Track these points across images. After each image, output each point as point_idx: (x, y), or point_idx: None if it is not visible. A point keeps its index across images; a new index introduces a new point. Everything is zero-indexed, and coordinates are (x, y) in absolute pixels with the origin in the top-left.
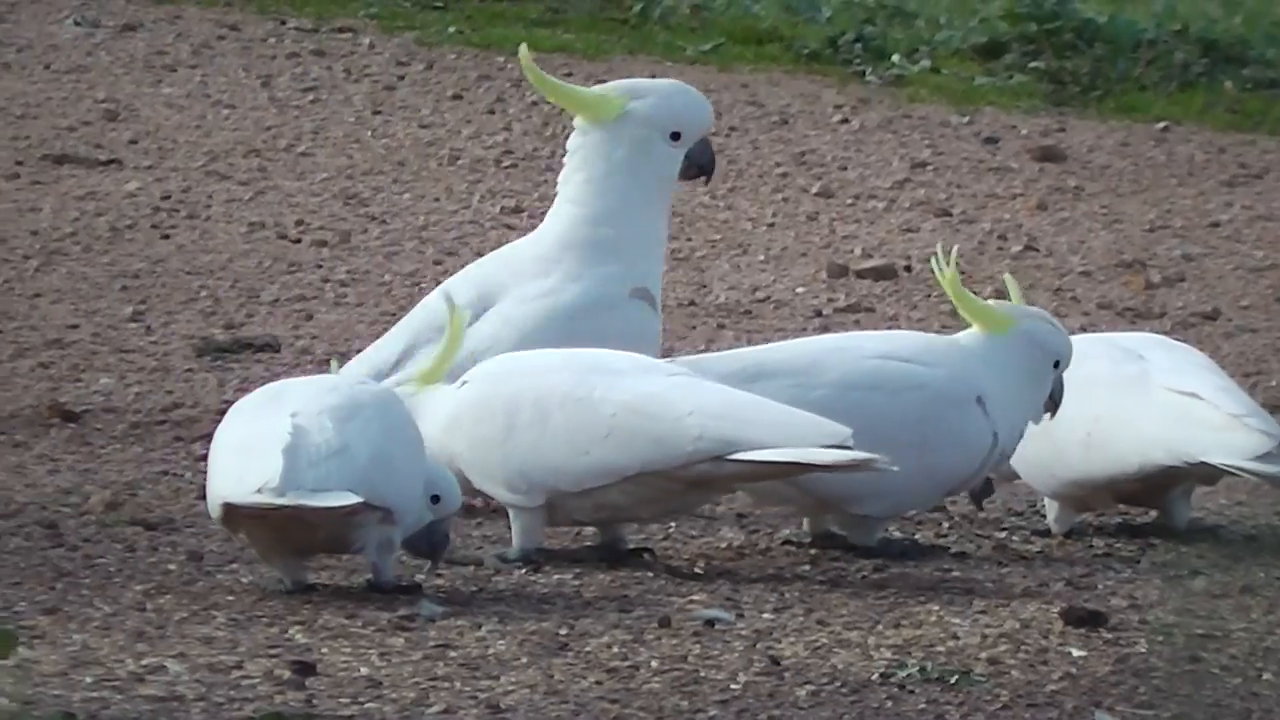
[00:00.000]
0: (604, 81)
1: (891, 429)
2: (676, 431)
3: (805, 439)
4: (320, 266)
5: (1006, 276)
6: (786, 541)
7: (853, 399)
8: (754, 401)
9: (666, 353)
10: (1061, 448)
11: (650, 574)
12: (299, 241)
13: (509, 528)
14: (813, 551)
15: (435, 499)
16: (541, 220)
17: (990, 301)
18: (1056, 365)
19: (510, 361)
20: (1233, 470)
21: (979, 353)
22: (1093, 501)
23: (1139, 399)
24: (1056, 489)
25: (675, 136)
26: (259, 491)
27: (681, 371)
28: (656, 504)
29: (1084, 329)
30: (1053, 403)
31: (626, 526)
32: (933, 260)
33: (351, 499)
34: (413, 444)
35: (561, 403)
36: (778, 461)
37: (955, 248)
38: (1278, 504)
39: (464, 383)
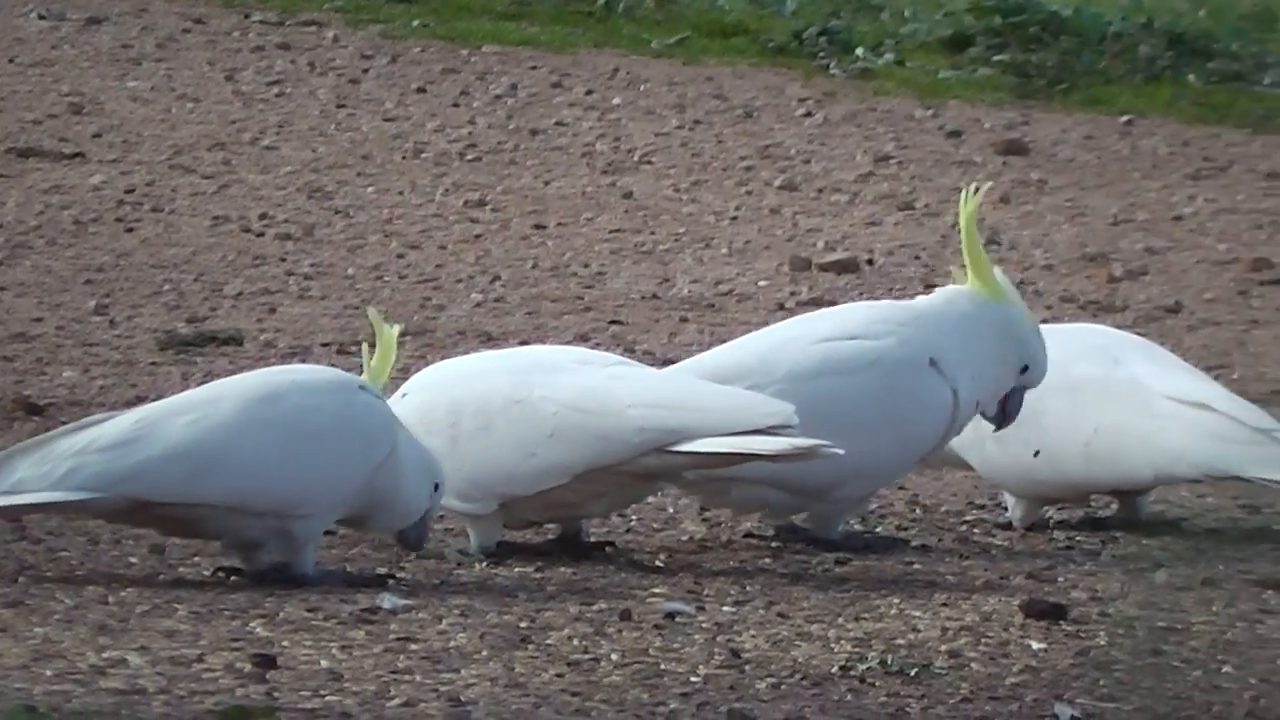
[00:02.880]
0: (570, 76)
1: (852, 409)
2: (619, 425)
3: (747, 420)
4: (284, 260)
5: (954, 271)
6: (749, 534)
7: (806, 390)
8: (695, 387)
9: (628, 347)
10: (1055, 457)
11: (612, 567)
12: (263, 235)
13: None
14: (774, 545)
15: (436, 487)
16: (504, 213)
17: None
18: (1024, 371)
19: (447, 369)
20: (1272, 484)
21: (933, 315)
22: (1065, 499)
23: (1141, 410)
24: (1036, 492)
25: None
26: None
27: (621, 362)
28: (608, 498)
29: (1047, 322)
30: (1004, 415)
31: (588, 520)
32: (963, 193)
33: (51, 497)
34: (315, 441)
35: (503, 406)
36: (724, 452)
37: (989, 185)
38: (1240, 497)
39: (404, 394)
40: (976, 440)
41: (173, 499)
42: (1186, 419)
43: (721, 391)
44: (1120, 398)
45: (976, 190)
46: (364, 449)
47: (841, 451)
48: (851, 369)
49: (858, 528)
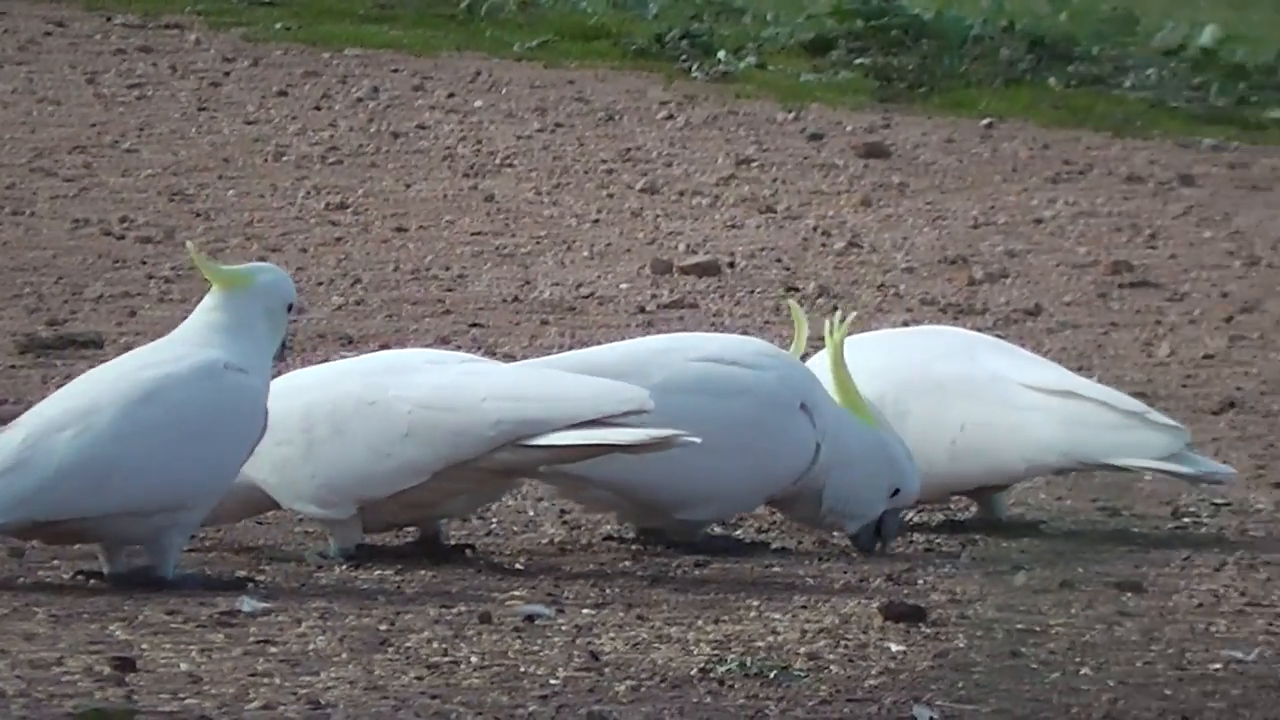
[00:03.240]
0: (432, 79)
1: (717, 432)
2: (474, 420)
3: (601, 407)
4: (145, 263)
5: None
6: (609, 537)
7: (677, 402)
8: (549, 377)
9: (489, 349)
10: (921, 456)
11: (471, 570)
12: (124, 238)
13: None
14: (634, 547)
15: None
16: (365, 216)
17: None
18: (895, 494)
19: (299, 377)
20: (1144, 469)
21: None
22: (929, 499)
23: (1007, 402)
24: None
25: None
26: None
27: (473, 359)
28: (466, 497)
29: (908, 324)
30: (882, 538)
31: (447, 522)
32: (828, 324)
33: None
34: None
35: (356, 409)
36: (581, 444)
37: (854, 314)
38: (1098, 499)
39: None
40: None
41: (71, 515)
42: (1053, 408)
43: (576, 380)
44: (984, 392)
45: (843, 320)
46: (240, 430)
47: (698, 440)
48: (724, 393)
49: (719, 531)
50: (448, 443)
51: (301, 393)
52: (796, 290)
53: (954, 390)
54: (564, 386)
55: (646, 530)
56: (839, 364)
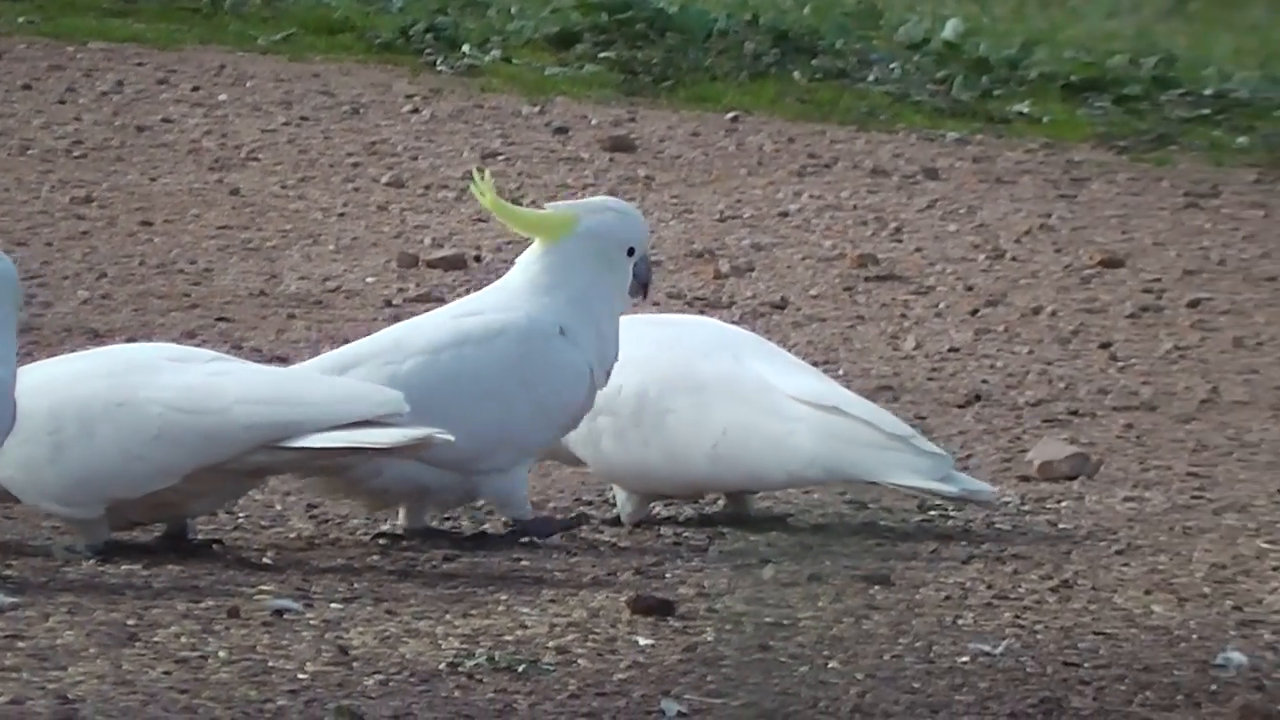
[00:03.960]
0: (176, 73)
1: (491, 378)
2: (225, 423)
3: (355, 411)
4: None
5: (474, 171)
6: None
7: (445, 360)
8: (301, 380)
9: (236, 344)
10: (679, 456)
11: (220, 565)
12: None
13: None
14: (382, 541)
15: None
16: (110, 210)
17: (546, 208)
18: (631, 253)
19: (39, 373)
20: (910, 489)
21: (543, 281)
22: (680, 496)
23: (772, 411)
24: (651, 489)
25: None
26: None
27: (220, 358)
28: (214, 495)
29: None
30: (639, 284)
31: (194, 518)
32: (471, 184)
33: None
34: None
35: (105, 410)
36: (334, 447)
37: (488, 170)
38: (846, 493)
39: None
40: (590, 436)
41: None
42: (817, 422)
43: (330, 383)
44: (750, 398)
45: (483, 176)
46: None
47: (452, 439)
48: (485, 338)
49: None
50: (198, 446)
51: (46, 391)
52: None
53: (717, 392)
54: (317, 389)
55: (419, 530)
56: (502, 207)
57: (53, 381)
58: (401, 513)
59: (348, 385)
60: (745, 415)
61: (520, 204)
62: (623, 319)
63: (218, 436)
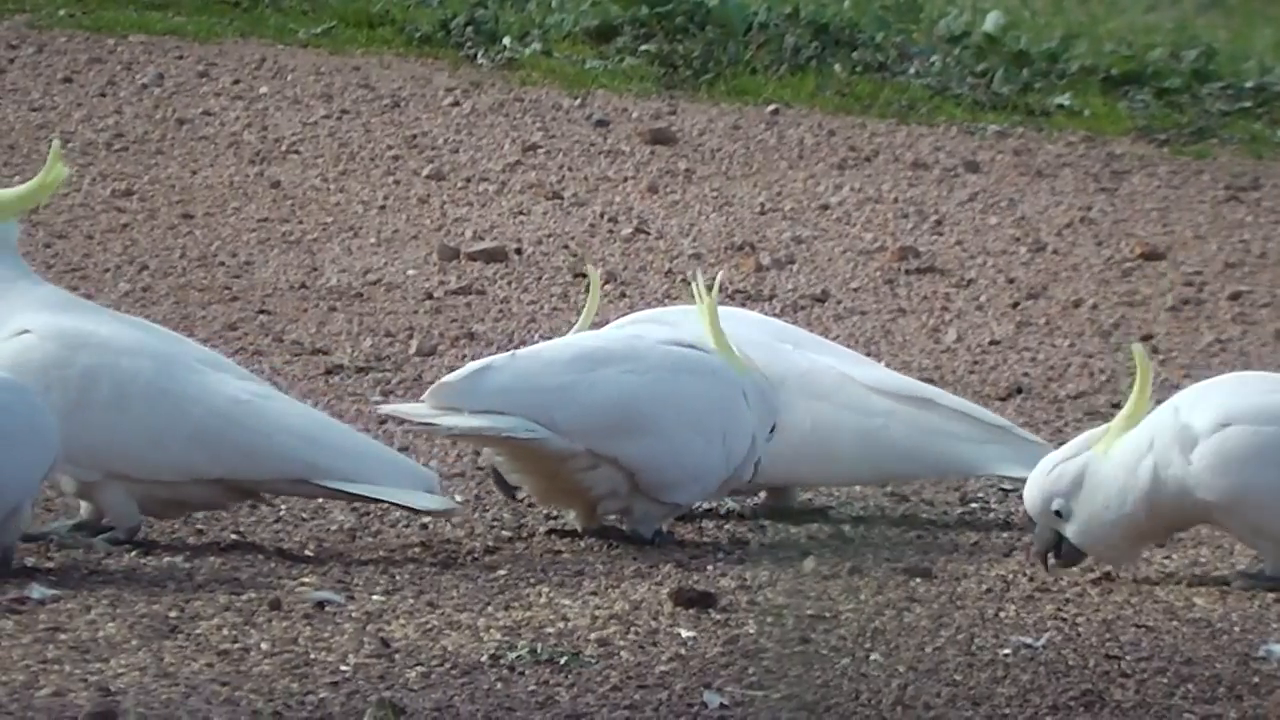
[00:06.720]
0: (216, 65)
1: (702, 411)
2: (265, 448)
3: (390, 478)
4: None
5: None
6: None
7: (666, 381)
8: (340, 430)
9: (276, 336)
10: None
11: (261, 556)
12: None
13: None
14: (422, 534)
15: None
16: (150, 203)
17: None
18: (773, 430)
19: (79, 324)
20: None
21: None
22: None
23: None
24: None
25: None
26: None
27: (250, 377)
28: (213, 501)
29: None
30: (757, 470)
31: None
32: (693, 285)
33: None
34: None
35: (145, 391)
36: (366, 496)
37: (718, 278)
38: (886, 485)
39: (24, 331)
40: None
41: None
42: (906, 416)
43: (367, 441)
44: (833, 393)
45: (710, 288)
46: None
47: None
48: (704, 373)
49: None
50: (232, 459)
51: (82, 346)
52: (584, 277)
53: (798, 388)
54: (359, 445)
55: (596, 530)
56: (714, 321)
57: (94, 338)
58: (574, 515)
59: (388, 454)
60: (831, 411)
61: (562, 197)
62: (640, 315)
63: (254, 457)
